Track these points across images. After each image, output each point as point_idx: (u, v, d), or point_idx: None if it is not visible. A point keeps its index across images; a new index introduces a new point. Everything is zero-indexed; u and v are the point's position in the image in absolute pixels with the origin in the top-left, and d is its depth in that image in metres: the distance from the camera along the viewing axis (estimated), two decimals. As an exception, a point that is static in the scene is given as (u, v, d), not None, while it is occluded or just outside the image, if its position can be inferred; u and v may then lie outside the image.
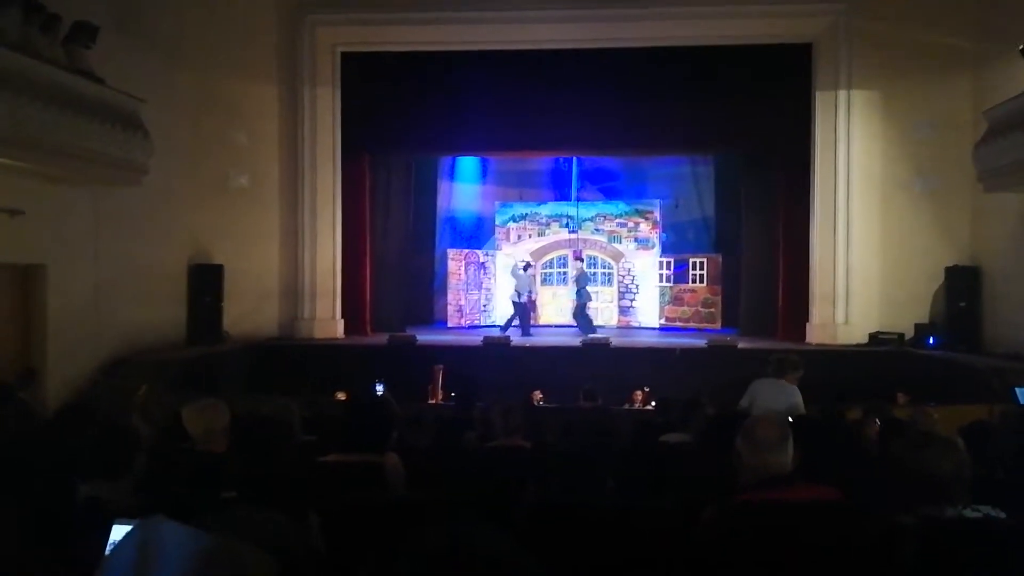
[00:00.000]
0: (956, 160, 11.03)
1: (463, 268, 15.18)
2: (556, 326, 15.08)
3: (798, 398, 6.24)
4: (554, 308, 15.59)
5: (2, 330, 8.44)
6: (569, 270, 15.57)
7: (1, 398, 6.55)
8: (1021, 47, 8.75)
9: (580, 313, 13.90)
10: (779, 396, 6.08)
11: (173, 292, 11.44)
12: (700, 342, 11.93)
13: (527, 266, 14.70)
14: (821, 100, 11.97)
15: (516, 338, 12.79)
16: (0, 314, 8.41)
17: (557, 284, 15.75)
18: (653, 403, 9.42)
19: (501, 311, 15.51)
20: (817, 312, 12.06)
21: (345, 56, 12.66)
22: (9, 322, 8.54)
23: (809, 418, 4.58)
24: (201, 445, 3.82)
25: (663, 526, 3.10)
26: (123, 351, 9.93)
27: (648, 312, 15.19)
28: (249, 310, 12.33)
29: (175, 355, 10.53)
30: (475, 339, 12.34)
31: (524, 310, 14.02)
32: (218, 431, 3.91)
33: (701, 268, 14.81)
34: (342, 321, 12.83)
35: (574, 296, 14.30)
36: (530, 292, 14.52)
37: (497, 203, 16.17)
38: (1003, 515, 2.83)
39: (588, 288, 14.19)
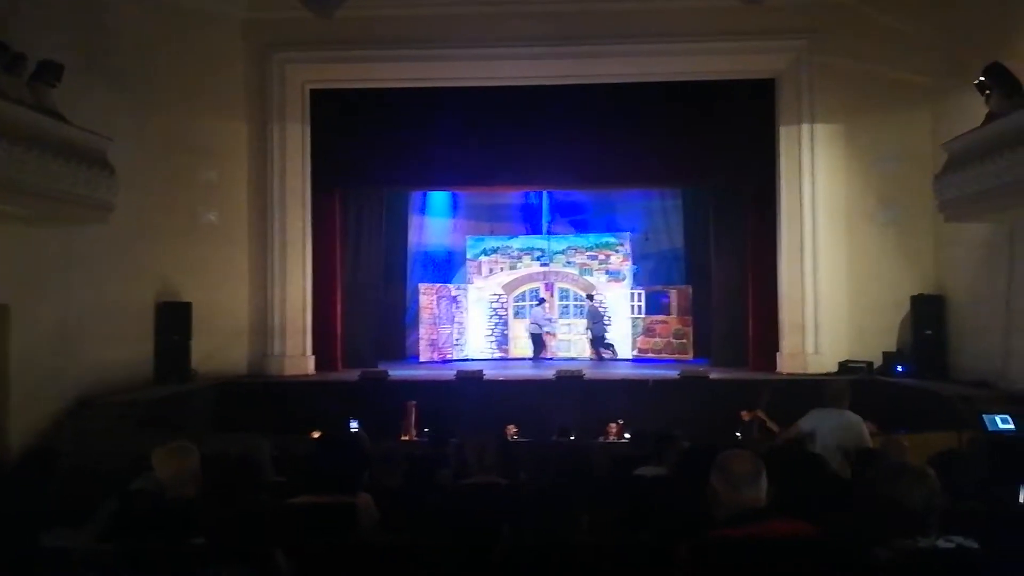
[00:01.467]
0: (918, 191, 11.25)
1: (435, 302, 15.15)
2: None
3: (864, 429, 6.04)
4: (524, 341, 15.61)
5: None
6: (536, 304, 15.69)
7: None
8: (976, 82, 9.00)
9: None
10: (848, 429, 5.86)
11: (140, 330, 11.25)
12: (672, 373, 11.97)
13: (541, 301, 15.44)
14: (785, 134, 12.19)
15: (502, 370, 13.02)
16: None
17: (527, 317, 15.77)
18: (627, 435, 9.42)
19: (474, 345, 15.50)
20: (787, 342, 12.17)
21: (315, 93, 12.68)
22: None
23: (782, 450, 4.59)
24: (170, 489, 3.73)
25: (639, 562, 3.08)
26: (89, 391, 9.72)
27: (620, 344, 15.25)
28: (218, 347, 12.15)
29: (142, 395, 10.32)
30: (448, 373, 12.28)
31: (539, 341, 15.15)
32: (188, 474, 3.82)
33: (672, 299, 14.93)
34: (312, 357, 12.70)
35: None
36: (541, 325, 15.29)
37: (468, 237, 16.21)
38: (975, 545, 2.85)
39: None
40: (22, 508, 3.12)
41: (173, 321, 11.48)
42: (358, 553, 3.30)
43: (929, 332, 11.11)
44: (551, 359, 15.03)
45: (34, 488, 3.45)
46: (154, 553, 2.40)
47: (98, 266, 9.99)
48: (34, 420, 8.84)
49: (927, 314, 11.22)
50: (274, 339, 12.48)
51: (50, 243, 9.15)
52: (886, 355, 11.51)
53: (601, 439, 9.93)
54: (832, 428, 5.94)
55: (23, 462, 4.47)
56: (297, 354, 12.54)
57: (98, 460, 5.05)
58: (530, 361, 14.89)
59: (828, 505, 3.30)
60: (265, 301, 12.50)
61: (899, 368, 11.22)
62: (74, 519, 3.23)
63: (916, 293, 11.45)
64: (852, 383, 11.07)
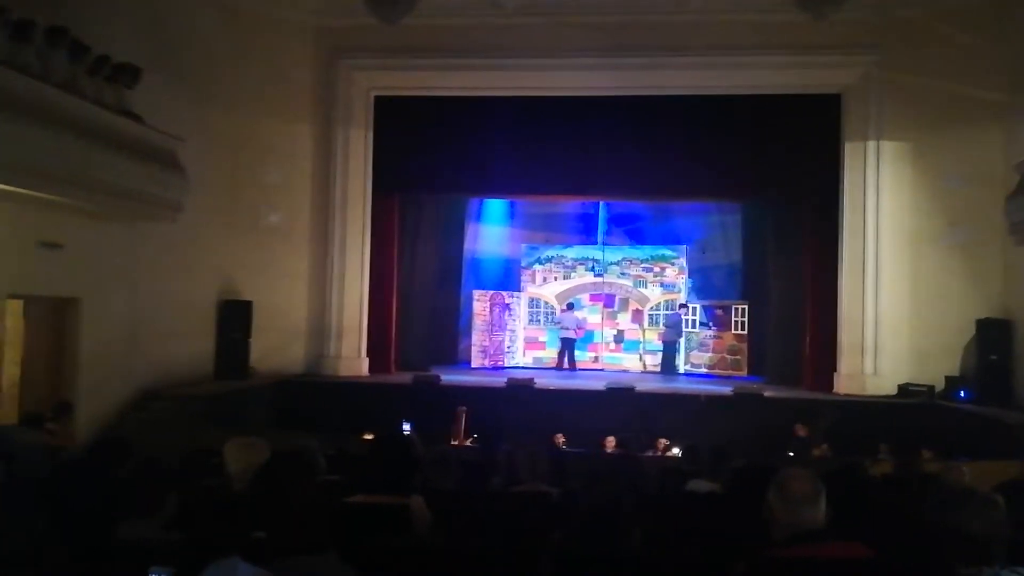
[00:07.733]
0: (988, 212, 10.95)
1: (488, 309, 15.22)
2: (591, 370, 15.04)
3: None
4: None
5: (36, 362, 8.55)
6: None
7: (30, 427, 6.64)
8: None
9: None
10: None
11: (202, 327, 11.55)
12: (725, 389, 11.82)
13: (570, 306, 15.31)
14: (850, 150, 11.98)
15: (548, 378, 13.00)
16: (35, 346, 8.53)
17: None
18: (678, 450, 9.32)
19: (525, 352, 15.52)
20: (845, 362, 11.93)
21: (378, 99, 12.91)
22: (43, 354, 8.66)
23: (841, 473, 4.50)
24: (237, 482, 3.82)
25: (692, 578, 3.07)
26: (153, 385, 10.03)
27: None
28: (276, 346, 12.42)
29: (203, 389, 10.61)
30: (499, 380, 12.32)
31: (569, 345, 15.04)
32: (256, 470, 3.89)
33: (728, 314, 14.72)
34: (367, 359, 12.88)
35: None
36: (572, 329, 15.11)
37: (524, 245, 16.24)
38: (1041, 578, 2.76)
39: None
40: (94, 497, 3.24)
41: (234, 319, 11.78)
42: (411, 553, 3.35)
43: (994, 357, 10.79)
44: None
45: (105, 477, 3.57)
46: (221, 543, 2.48)
47: (164, 263, 10.31)
48: (101, 410, 9.16)
49: (993, 339, 10.90)
50: (330, 340, 12.70)
51: (119, 239, 9.47)
52: (948, 379, 11.21)
53: (650, 453, 9.85)
54: None
55: (95, 451, 4.62)
56: (352, 355, 12.74)
57: (161, 451, 5.19)
58: (564, 371, 14.59)
59: (888, 530, 3.23)
60: (323, 302, 12.74)
61: (962, 393, 10.92)
62: (141, 509, 3.33)
63: (982, 317, 11.12)
64: (901, 406, 10.93)
